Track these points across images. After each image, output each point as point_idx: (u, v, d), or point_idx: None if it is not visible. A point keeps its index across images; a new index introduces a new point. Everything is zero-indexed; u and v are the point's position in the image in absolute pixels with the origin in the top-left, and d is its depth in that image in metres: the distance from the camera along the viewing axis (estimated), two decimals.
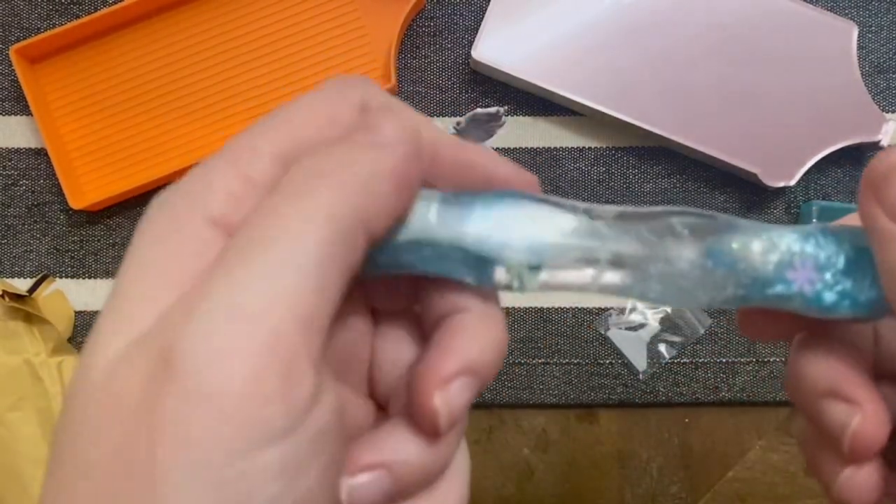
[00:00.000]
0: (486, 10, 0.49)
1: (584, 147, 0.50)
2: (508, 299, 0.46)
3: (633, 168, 0.49)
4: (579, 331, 0.48)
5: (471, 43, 0.49)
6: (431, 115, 0.50)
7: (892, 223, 0.20)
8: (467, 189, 0.22)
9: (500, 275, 0.21)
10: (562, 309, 0.48)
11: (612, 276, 0.21)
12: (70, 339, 0.47)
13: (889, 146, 0.20)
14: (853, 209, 0.51)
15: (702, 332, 0.47)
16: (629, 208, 0.22)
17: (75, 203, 0.48)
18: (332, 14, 0.50)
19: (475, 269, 0.21)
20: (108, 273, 0.49)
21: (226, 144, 0.21)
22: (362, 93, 0.22)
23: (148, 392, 0.16)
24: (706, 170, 0.49)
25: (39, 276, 0.48)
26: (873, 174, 0.20)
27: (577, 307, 0.48)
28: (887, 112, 0.49)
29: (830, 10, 0.49)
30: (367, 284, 0.23)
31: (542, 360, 0.48)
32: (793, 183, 0.47)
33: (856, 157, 0.49)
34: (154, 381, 0.16)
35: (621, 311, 0.48)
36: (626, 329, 0.48)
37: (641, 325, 0.48)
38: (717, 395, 0.47)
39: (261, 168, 0.20)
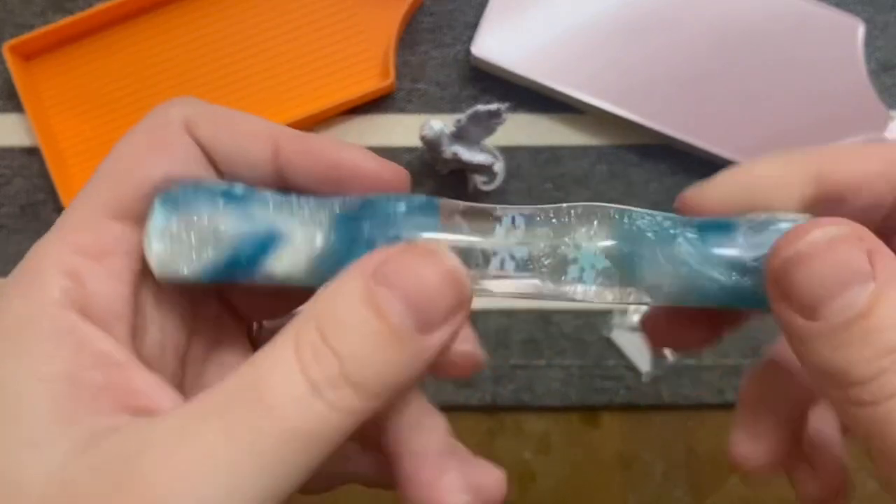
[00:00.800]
0: (486, 5, 0.48)
1: (586, 145, 0.49)
2: (508, 301, 0.45)
3: (636, 166, 0.49)
4: (581, 332, 0.47)
5: (471, 39, 0.48)
6: (431, 112, 0.49)
7: (807, 320, 0.18)
8: (317, 177, 0.22)
9: None
10: (564, 311, 0.47)
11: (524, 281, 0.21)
12: None
13: (790, 229, 0.19)
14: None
15: None
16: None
17: (69, 202, 0.47)
18: (329, 10, 0.50)
19: None
20: None
21: (60, 217, 0.20)
22: (183, 110, 0.22)
23: None
24: (711, 168, 0.48)
25: None
26: (772, 271, 0.19)
27: (579, 309, 0.47)
28: (893, 109, 0.49)
29: (837, 7, 0.49)
30: None
31: (544, 361, 0.47)
32: None
33: None
34: None
35: (624, 311, 0.47)
36: (630, 331, 0.47)
37: None
38: (722, 398, 0.47)
39: (94, 236, 0.20)
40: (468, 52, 0.48)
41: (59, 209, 0.48)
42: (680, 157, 0.49)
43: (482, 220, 0.21)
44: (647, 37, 0.48)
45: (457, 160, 0.45)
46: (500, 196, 0.48)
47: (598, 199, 0.50)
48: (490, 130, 0.45)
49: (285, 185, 0.22)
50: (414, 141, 0.48)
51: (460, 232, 0.21)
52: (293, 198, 0.21)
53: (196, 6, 0.50)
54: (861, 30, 0.48)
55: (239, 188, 0.21)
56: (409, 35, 0.50)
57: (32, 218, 0.49)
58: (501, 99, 0.47)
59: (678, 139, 0.47)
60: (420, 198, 0.21)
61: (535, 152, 0.49)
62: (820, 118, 0.47)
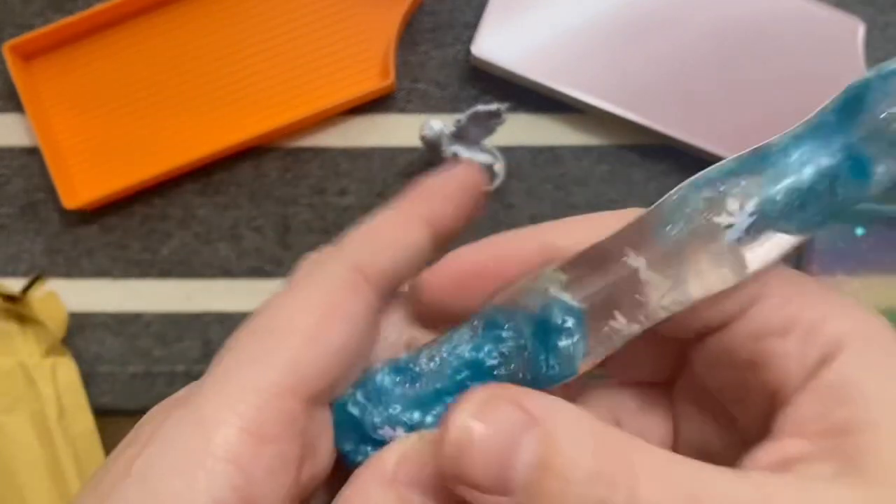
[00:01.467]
0: (486, 5, 0.48)
1: (586, 145, 0.49)
2: None
3: (636, 166, 0.49)
4: None
5: (471, 39, 0.48)
6: (431, 112, 0.49)
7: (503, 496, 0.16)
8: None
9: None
10: None
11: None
12: (63, 341, 0.47)
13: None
14: (860, 208, 0.50)
15: None
16: None
17: (69, 202, 0.47)
18: (329, 10, 0.50)
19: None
20: (103, 273, 0.48)
21: (220, 371, 0.18)
22: (351, 258, 0.20)
23: None
24: None
25: (32, 276, 0.48)
26: (442, 459, 0.17)
27: None
28: None
29: (837, 7, 0.49)
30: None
31: None
32: None
33: None
34: None
35: None
36: None
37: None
38: None
39: (261, 415, 0.18)
40: (468, 52, 0.48)
41: (58, 209, 0.48)
42: (680, 157, 0.49)
43: (608, 258, 0.19)
44: (647, 37, 0.48)
45: (457, 160, 0.45)
46: (500, 196, 0.48)
47: (599, 199, 0.50)
48: (490, 130, 0.45)
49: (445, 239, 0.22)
50: (414, 141, 0.48)
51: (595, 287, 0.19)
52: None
53: (196, 6, 0.50)
54: (861, 30, 0.48)
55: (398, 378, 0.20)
56: (409, 35, 0.50)
57: (32, 218, 0.49)
58: (501, 99, 0.47)
59: (678, 139, 0.47)
60: (567, 322, 0.19)
61: (535, 152, 0.49)
62: None
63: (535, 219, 0.48)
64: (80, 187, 0.49)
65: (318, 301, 0.19)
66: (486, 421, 0.16)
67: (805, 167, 0.18)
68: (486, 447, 0.16)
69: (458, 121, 0.44)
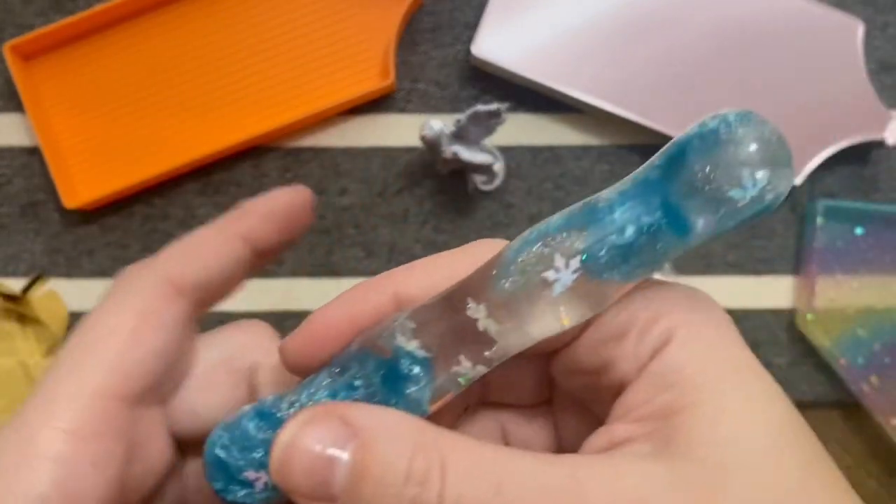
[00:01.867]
0: (486, 5, 0.48)
1: (586, 145, 0.49)
2: None
3: (636, 166, 0.48)
4: None
5: (471, 39, 0.48)
6: (431, 112, 0.49)
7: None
8: None
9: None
10: None
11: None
12: (64, 340, 0.47)
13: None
14: (859, 208, 0.50)
15: None
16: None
17: (69, 202, 0.47)
18: (329, 10, 0.50)
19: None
20: (103, 273, 0.48)
21: (44, 381, 0.20)
22: (164, 270, 0.22)
23: None
24: None
25: (33, 276, 0.48)
26: (272, 473, 0.18)
27: None
28: (893, 109, 0.49)
29: (836, 7, 0.49)
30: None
31: None
32: (798, 182, 0.47)
33: (861, 155, 0.48)
34: None
35: None
36: None
37: None
38: None
39: (83, 417, 0.19)
40: (468, 52, 0.48)
41: (59, 209, 0.48)
42: None
43: (456, 304, 0.20)
44: (647, 37, 0.48)
45: (457, 160, 0.45)
46: (500, 196, 0.48)
47: None
48: (490, 130, 0.45)
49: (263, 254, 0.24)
50: (414, 141, 0.48)
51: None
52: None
53: (196, 6, 0.50)
54: (861, 30, 0.48)
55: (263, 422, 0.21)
56: (409, 35, 0.50)
57: (32, 218, 0.49)
58: (501, 99, 0.47)
59: None
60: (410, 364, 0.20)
61: (535, 152, 0.49)
62: (820, 118, 0.47)
63: (534, 219, 0.49)
64: (80, 187, 0.49)
65: (133, 310, 0.21)
66: (307, 435, 0.18)
67: (627, 225, 0.19)
68: (306, 458, 0.17)
69: (458, 121, 0.44)
